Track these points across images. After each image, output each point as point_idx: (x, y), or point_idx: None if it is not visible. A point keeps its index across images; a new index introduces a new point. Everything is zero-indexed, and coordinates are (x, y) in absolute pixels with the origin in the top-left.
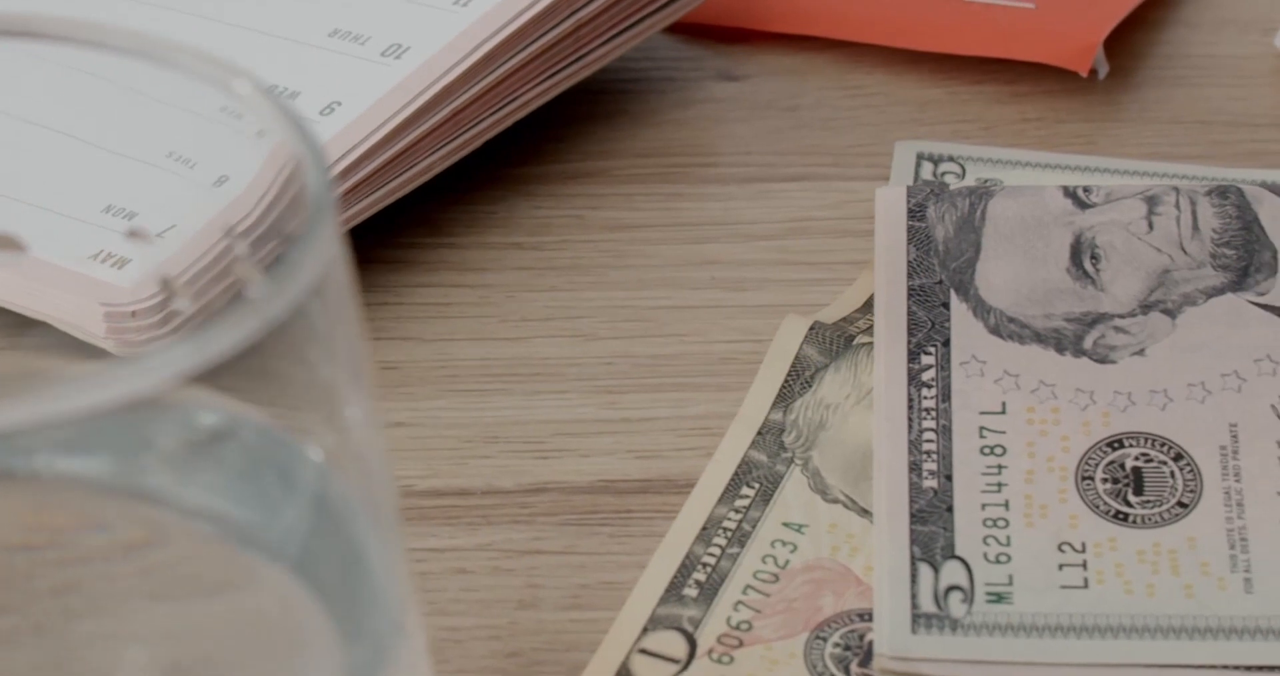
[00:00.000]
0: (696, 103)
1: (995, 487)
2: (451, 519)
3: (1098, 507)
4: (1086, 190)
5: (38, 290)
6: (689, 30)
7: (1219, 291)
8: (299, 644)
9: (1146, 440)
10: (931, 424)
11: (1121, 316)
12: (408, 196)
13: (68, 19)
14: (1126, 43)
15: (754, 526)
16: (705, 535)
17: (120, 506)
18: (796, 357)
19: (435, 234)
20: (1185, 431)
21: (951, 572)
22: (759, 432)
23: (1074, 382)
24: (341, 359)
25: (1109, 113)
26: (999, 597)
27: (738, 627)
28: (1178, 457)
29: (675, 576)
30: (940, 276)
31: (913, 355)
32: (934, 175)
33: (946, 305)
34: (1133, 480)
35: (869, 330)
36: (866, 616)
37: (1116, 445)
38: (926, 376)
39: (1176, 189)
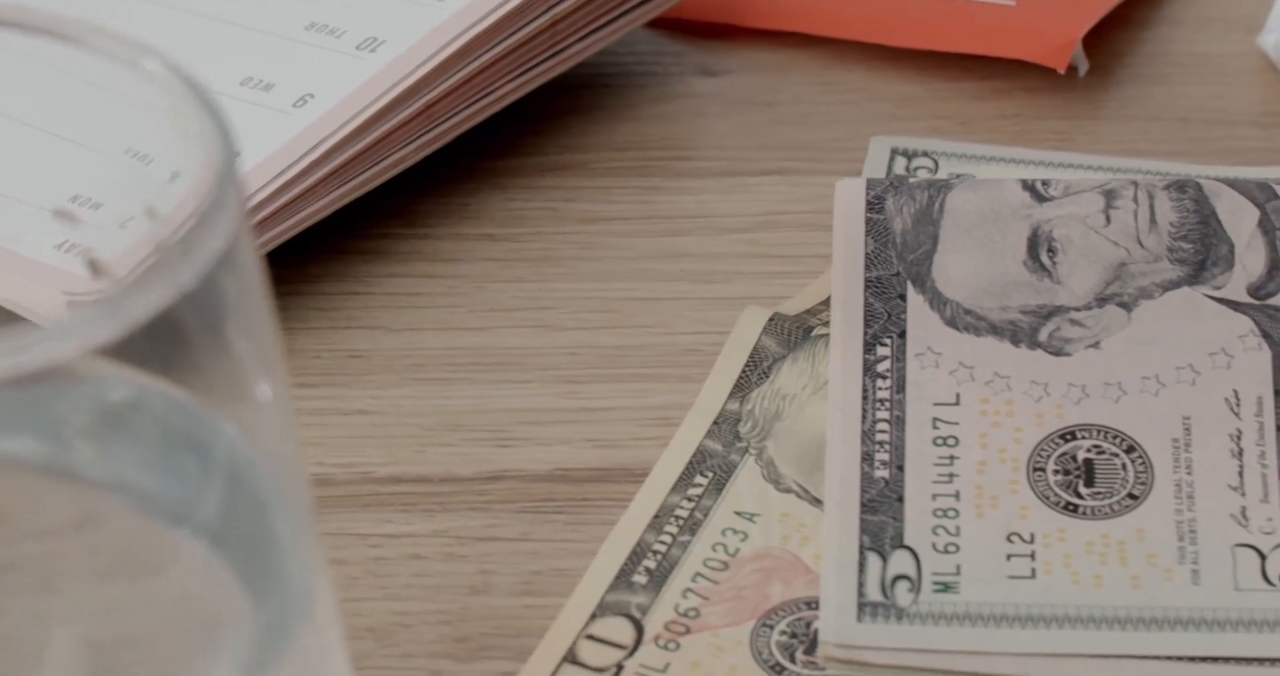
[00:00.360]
0: (675, 97)
1: (947, 478)
2: (409, 505)
3: (1048, 499)
4: (1045, 184)
5: (1, 279)
6: (671, 26)
7: (1175, 285)
8: (217, 615)
9: (1099, 432)
10: (885, 415)
11: (1077, 309)
12: (383, 188)
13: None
14: (1109, 40)
15: (706, 515)
16: (657, 523)
17: (40, 484)
18: (755, 348)
19: (409, 225)
20: (1138, 424)
21: (899, 562)
22: (715, 422)
23: (1029, 375)
24: (254, 336)
25: (1088, 110)
26: (946, 587)
27: (685, 614)
28: (1130, 450)
29: (625, 563)
30: (897, 268)
31: (868, 346)
32: (907, 170)
33: (903, 297)
34: (1084, 472)
35: (829, 322)
36: (814, 605)
37: (1069, 437)
38: (882, 367)
39: (1135, 183)
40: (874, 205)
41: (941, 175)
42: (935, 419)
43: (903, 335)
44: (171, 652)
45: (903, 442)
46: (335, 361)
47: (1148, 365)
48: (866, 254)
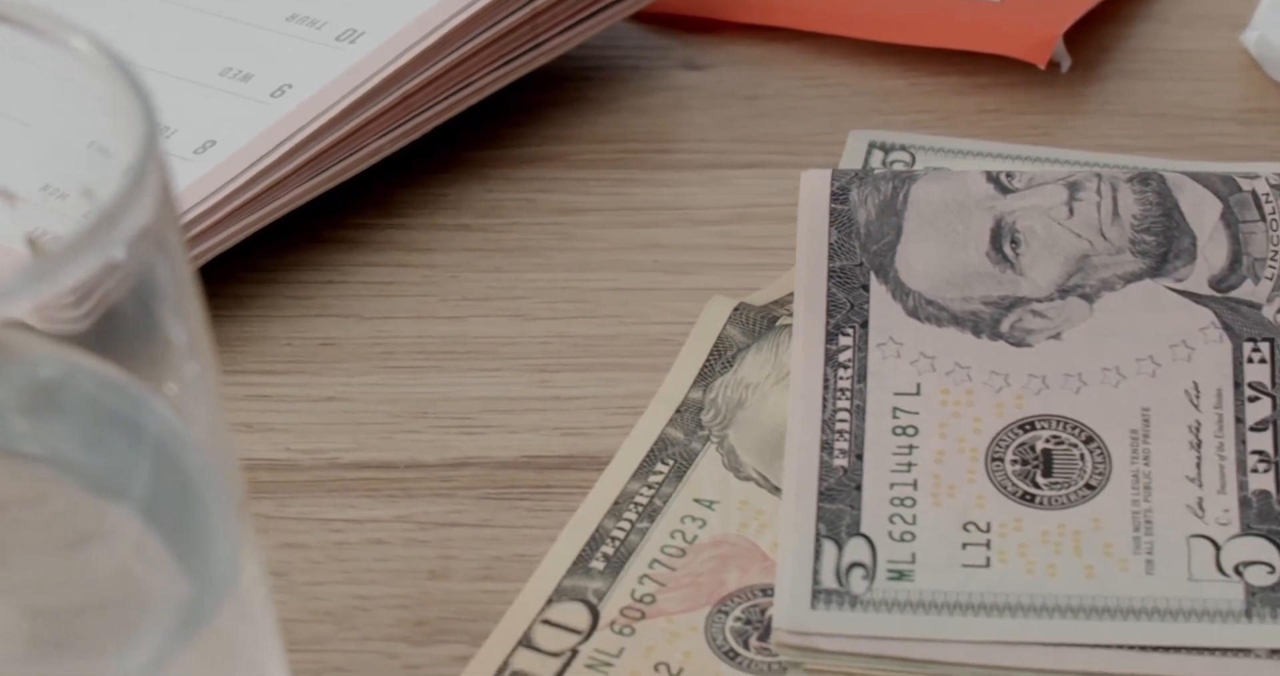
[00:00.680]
0: (658, 91)
1: (905, 467)
2: (373, 491)
3: (1005, 488)
4: (1009, 175)
5: None
6: (657, 20)
7: (1137, 277)
8: (150, 587)
9: (1058, 422)
10: (846, 404)
11: (1039, 300)
12: (362, 177)
13: None
14: (1094, 36)
15: (665, 502)
16: (616, 510)
17: None
18: (719, 338)
19: (386, 215)
20: (1097, 414)
21: (855, 550)
22: (677, 411)
23: (989, 365)
24: (184, 316)
25: (1069, 105)
26: (900, 575)
27: (641, 600)
28: (1088, 440)
29: (584, 549)
30: (861, 259)
31: (831, 336)
32: (884, 163)
33: (866, 287)
34: (1042, 462)
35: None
36: (770, 592)
37: (1028, 427)
38: (843, 357)
39: (1099, 175)
40: (839, 196)
41: (918, 168)
42: (895, 408)
43: (865, 325)
44: (106, 623)
45: (862, 432)
46: (306, 349)
47: (1108, 356)
48: (830, 244)
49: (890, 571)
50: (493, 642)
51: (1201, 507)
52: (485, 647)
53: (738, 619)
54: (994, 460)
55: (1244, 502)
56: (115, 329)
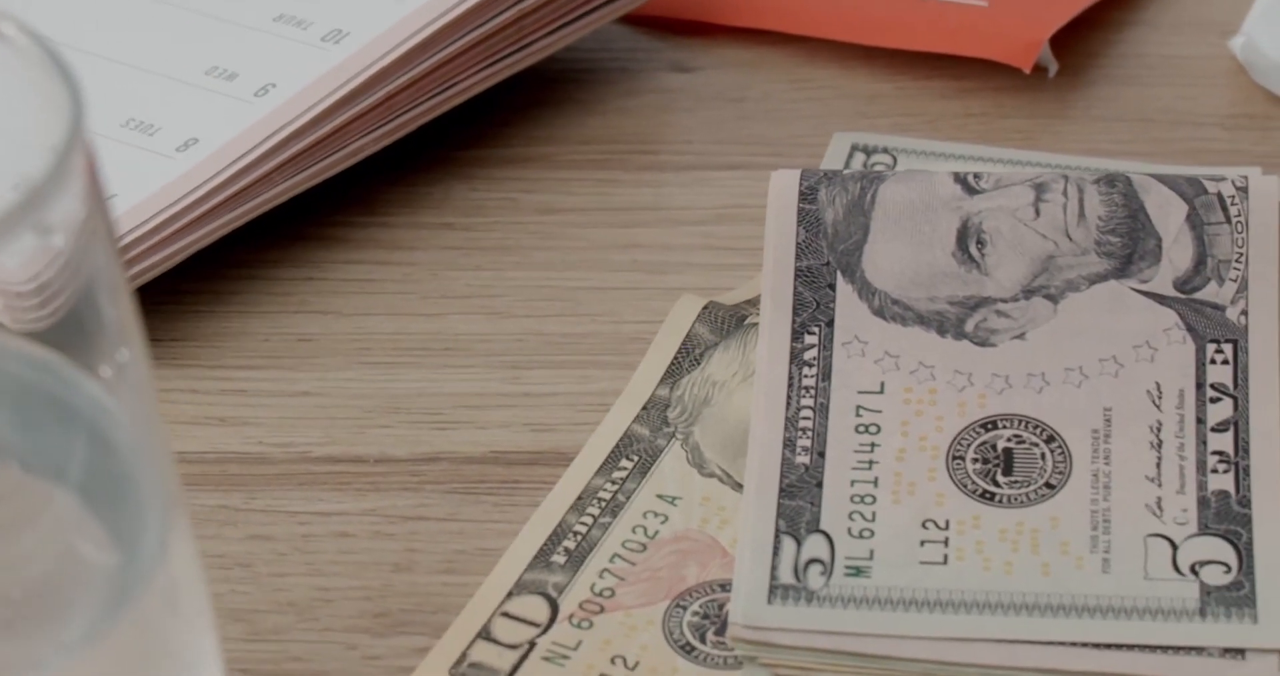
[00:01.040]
0: (645, 93)
1: (866, 465)
2: (342, 484)
3: (965, 486)
4: (976, 176)
5: None
6: (647, 23)
7: (1102, 278)
8: (85, 565)
9: (1020, 422)
10: (810, 402)
11: (1004, 301)
12: (347, 176)
13: None
14: (1083, 41)
15: (629, 498)
16: (580, 505)
17: None
18: (688, 336)
19: (370, 213)
20: (1059, 414)
21: (814, 546)
22: (644, 407)
23: (953, 364)
24: (117, 302)
25: (1054, 109)
26: (858, 571)
27: (600, 594)
28: (1050, 440)
29: (545, 543)
30: (828, 258)
31: (796, 334)
32: (865, 166)
33: (833, 286)
34: (1003, 460)
35: None
36: (729, 587)
37: (990, 426)
38: (808, 356)
39: (1065, 177)
40: (807, 196)
41: (886, 169)
42: (859, 407)
43: (831, 324)
44: (44, 602)
45: (825, 429)
46: (283, 344)
47: (1072, 357)
48: (798, 243)
49: (848, 567)
50: (452, 634)
51: (1160, 507)
52: (444, 639)
53: (696, 613)
54: (955, 458)
55: (1203, 502)
56: (63, 307)
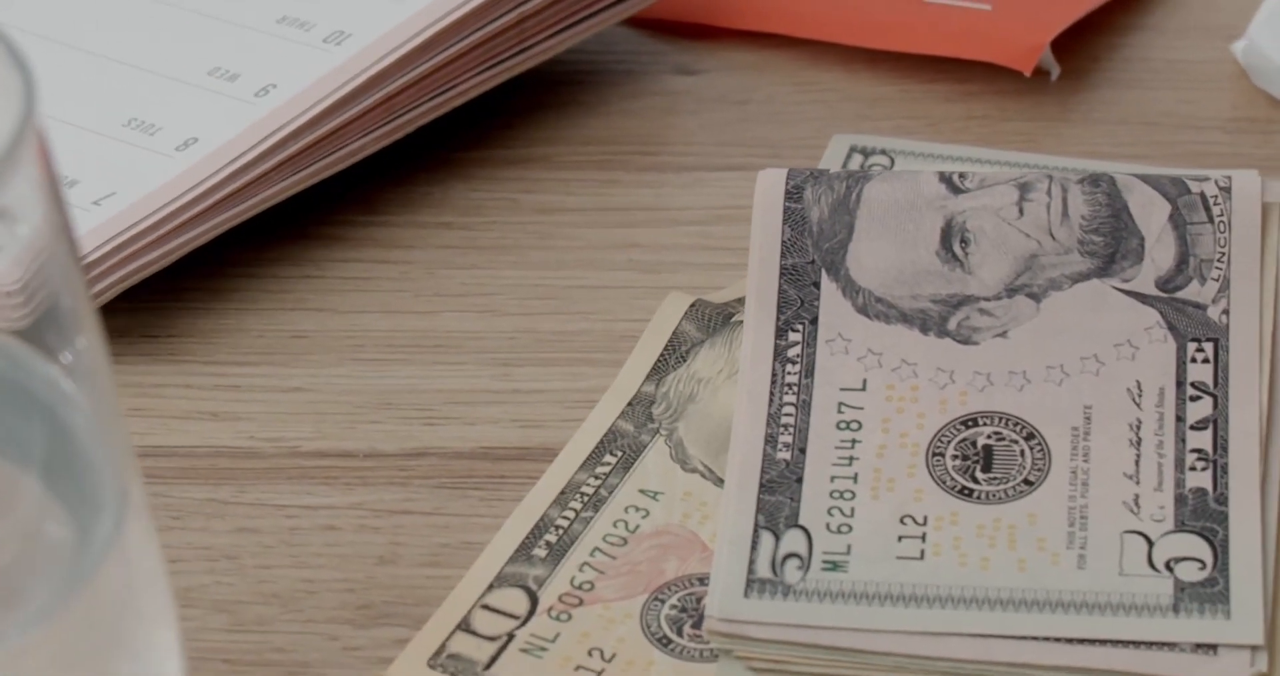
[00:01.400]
0: (649, 95)
1: (846, 461)
2: (330, 479)
3: (944, 483)
4: (962, 176)
5: None
6: (654, 26)
7: (1085, 277)
8: (50, 546)
9: (1000, 419)
10: (792, 399)
11: (987, 299)
12: (349, 176)
13: None
14: (1087, 45)
15: (611, 492)
16: (562, 499)
17: None
18: (675, 333)
19: (370, 212)
20: (1039, 411)
21: (792, 541)
22: (629, 403)
23: (935, 362)
24: (75, 289)
25: (1056, 112)
26: (835, 566)
27: (580, 587)
28: (1029, 437)
29: (527, 537)
30: (813, 256)
31: (780, 332)
32: (862, 167)
33: (817, 284)
34: (982, 457)
35: None
36: (707, 581)
37: (970, 423)
38: (792, 353)
39: (1050, 176)
40: (793, 194)
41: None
42: (841, 403)
43: (814, 321)
44: (7, 582)
45: (807, 426)
46: (278, 341)
47: (1053, 355)
48: (783, 242)
49: (825, 562)
50: (432, 626)
51: (1137, 504)
52: (424, 631)
53: (673, 606)
54: (935, 455)
55: (1180, 499)
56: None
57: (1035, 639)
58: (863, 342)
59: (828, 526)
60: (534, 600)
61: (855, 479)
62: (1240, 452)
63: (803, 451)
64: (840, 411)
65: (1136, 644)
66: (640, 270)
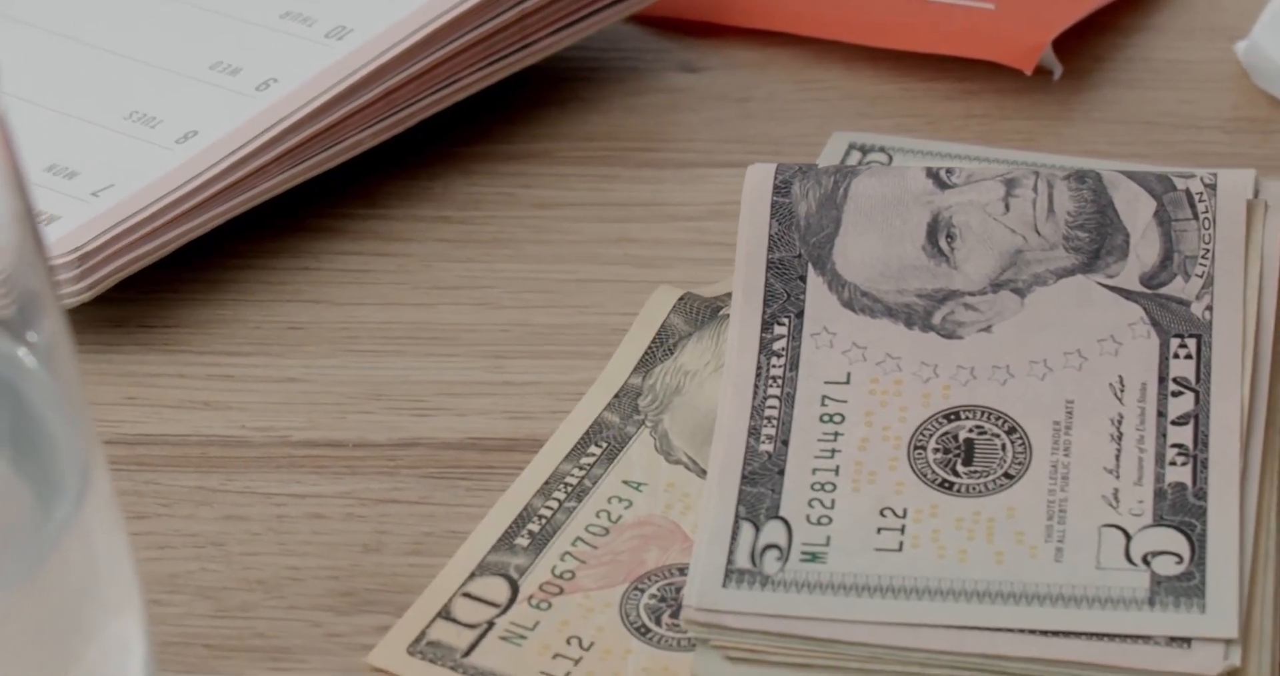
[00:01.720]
0: (651, 91)
1: (829, 453)
2: (319, 468)
3: (925, 476)
4: (949, 171)
5: None
6: (659, 23)
7: (1069, 272)
8: (13, 523)
9: (982, 413)
10: (776, 391)
11: (972, 294)
12: (350, 170)
13: None
14: (1091, 45)
15: (595, 483)
16: (546, 489)
17: None
18: (663, 326)
19: (370, 205)
20: (1022, 406)
21: (772, 532)
22: (616, 395)
23: (919, 356)
24: (38, 271)
25: (1056, 111)
26: (813, 557)
27: (561, 576)
28: (1011, 431)
29: (510, 526)
30: (800, 250)
31: (766, 325)
32: (860, 164)
33: (803, 278)
34: (964, 451)
35: None
36: (687, 571)
37: (953, 417)
38: (777, 346)
39: (1036, 173)
40: (781, 189)
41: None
42: (825, 396)
43: (800, 315)
44: None
45: (790, 418)
46: (274, 332)
47: (1037, 350)
48: (770, 236)
49: (804, 553)
50: (413, 613)
51: (1116, 498)
52: (405, 618)
53: (653, 596)
54: (916, 448)
55: (1159, 494)
56: None
57: (1010, 630)
58: (848, 336)
59: (808, 518)
60: (515, 588)
61: (837, 471)
62: (1220, 448)
63: (785, 444)
64: (824, 404)
65: (1111, 636)
66: (635, 264)
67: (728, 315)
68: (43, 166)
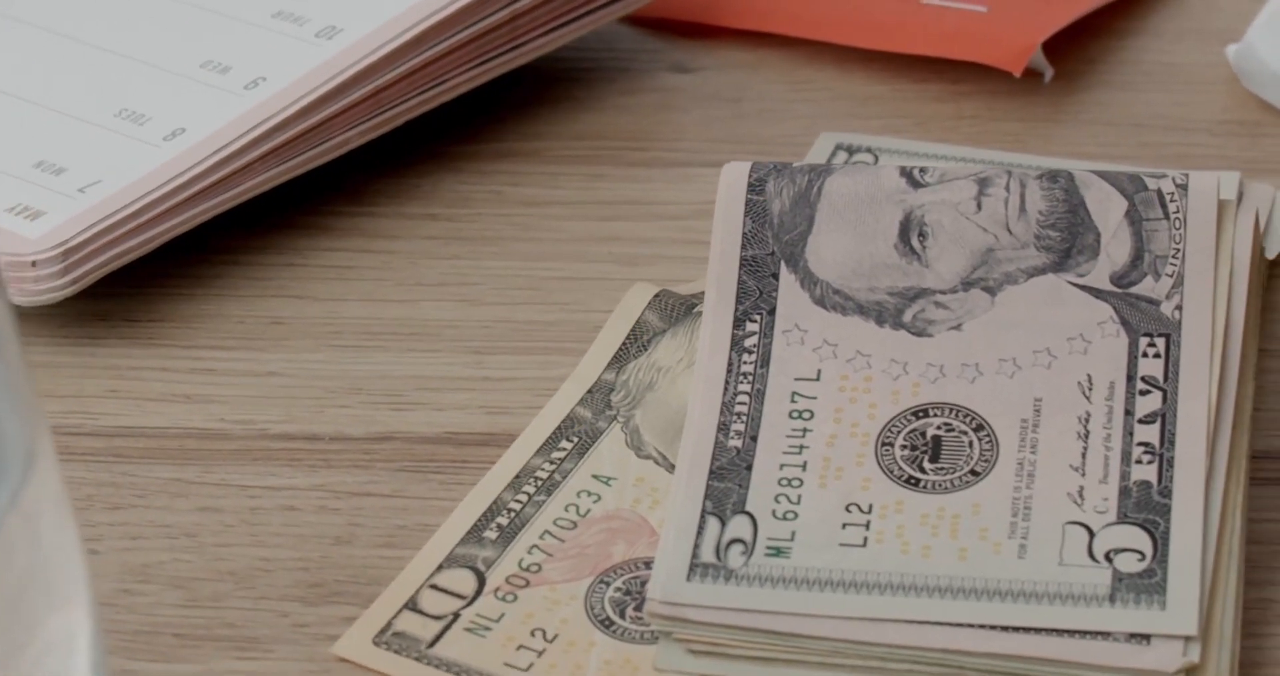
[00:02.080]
0: (644, 91)
1: (797, 449)
2: (294, 461)
3: (891, 472)
4: (922, 170)
5: None
6: (653, 24)
7: (1040, 271)
8: None
9: (951, 410)
10: (746, 388)
11: (943, 292)
12: (338, 168)
13: None
14: (1083, 48)
15: (565, 477)
16: (516, 483)
17: None
18: (637, 322)
19: (358, 203)
20: (990, 403)
21: (737, 526)
22: (589, 391)
23: (890, 353)
24: None
25: (1046, 113)
26: (778, 552)
27: (527, 569)
28: (978, 428)
29: (479, 519)
30: (773, 248)
31: (738, 322)
32: (846, 164)
33: (776, 276)
34: (931, 448)
35: None
36: (653, 565)
37: (921, 414)
38: (749, 343)
39: (1009, 172)
40: (755, 187)
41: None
42: (794, 393)
43: (772, 312)
44: None
45: (760, 414)
46: (256, 327)
47: (1006, 348)
48: (744, 233)
49: (769, 548)
50: (380, 604)
51: (1081, 496)
52: (372, 609)
53: (618, 589)
54: (884, 445)
55: (1124, 492)
56: None
57: (971, 626)
58: (819, 333)
59: (774, 513)
60: (481, 581)
61: (804, 467)
62: (1187, 447)
63: (754, 440)
64: (794, 401)
65: (1072, 632)
66: (619, 262)
67: (701, 312)
68: (31, 162)
